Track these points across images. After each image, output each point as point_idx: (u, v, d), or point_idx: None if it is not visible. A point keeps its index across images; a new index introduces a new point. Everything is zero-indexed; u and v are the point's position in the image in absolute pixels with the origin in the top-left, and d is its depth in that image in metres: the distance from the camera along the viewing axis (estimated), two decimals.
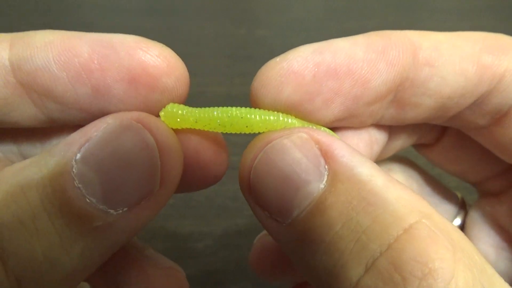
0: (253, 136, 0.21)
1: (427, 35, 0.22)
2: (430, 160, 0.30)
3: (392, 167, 0.30)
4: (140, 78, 0.19)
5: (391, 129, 0.26)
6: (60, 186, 0.17)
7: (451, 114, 0.23)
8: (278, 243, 0.20)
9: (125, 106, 0.20)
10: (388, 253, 0.15)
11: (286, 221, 0.18)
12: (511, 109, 0.22)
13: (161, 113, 0.20)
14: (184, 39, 0.83)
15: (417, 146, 0.30)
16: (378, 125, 0.25)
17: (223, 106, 0.20)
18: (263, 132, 0.20)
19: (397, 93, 0.22)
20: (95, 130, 0.18)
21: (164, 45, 0.20)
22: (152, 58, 0.19)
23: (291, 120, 0.21)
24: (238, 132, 0.20)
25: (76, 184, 0.17)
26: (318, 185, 0.18)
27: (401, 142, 0.27)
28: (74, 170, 0.17)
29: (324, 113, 0.21)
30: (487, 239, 0.28)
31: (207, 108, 0.20)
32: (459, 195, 0.31)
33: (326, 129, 0.22)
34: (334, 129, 0.23)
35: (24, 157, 0.23)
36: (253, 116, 0.20)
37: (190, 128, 0.21)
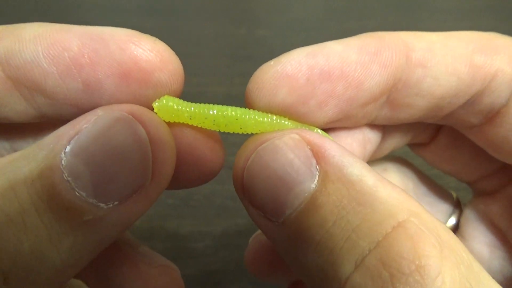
0: (250, 136, 0.21)
1: (420, 36, 0.22)
2: (425, 159, 0.30)
3: (388, 166, 0.30)
4: (132, 73, 0.19)
5: (385, 128, 0.26)
6: (49, 180, 0.16)
7: (444, 113, 0.23)
8: (272, 242, 0.20)
9: (117, 101, 0.19)
10: (376, 251, 0.16)
11: (278, 220, 0.18)
12: (503, 108, 0.22)
13: (155, 104, 0.19)
14: (184, 39, 0.83)
15: (412, 146, 0.30)
16: (372, 125, 0.25)
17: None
18: (257, 133, 0.21)
19: (391, 94, 0.22)
20: (85, 122, 0.17)
21: (157, 39, 0.19)
22: (144, 52, 0.19)
23: (284, 122, 0.21)
24: (232, 132, 0.21)
25: (65, 177, 0.16)
26: (309, 185, 0.18)
27: (395, 141, 0.27)
28: (63, 163, 0.16)
29: (318, 115, 0.21)
30: (481, 237, 0.28)
31: (202, 104, 0.20)
32: (454, 194, 0.31)
33: (319, 130, 0.22)
34: (328, 129, 0.24)
35: None
36: (247, 117, 0.20)
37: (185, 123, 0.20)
